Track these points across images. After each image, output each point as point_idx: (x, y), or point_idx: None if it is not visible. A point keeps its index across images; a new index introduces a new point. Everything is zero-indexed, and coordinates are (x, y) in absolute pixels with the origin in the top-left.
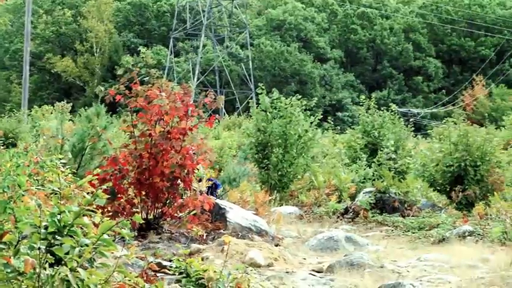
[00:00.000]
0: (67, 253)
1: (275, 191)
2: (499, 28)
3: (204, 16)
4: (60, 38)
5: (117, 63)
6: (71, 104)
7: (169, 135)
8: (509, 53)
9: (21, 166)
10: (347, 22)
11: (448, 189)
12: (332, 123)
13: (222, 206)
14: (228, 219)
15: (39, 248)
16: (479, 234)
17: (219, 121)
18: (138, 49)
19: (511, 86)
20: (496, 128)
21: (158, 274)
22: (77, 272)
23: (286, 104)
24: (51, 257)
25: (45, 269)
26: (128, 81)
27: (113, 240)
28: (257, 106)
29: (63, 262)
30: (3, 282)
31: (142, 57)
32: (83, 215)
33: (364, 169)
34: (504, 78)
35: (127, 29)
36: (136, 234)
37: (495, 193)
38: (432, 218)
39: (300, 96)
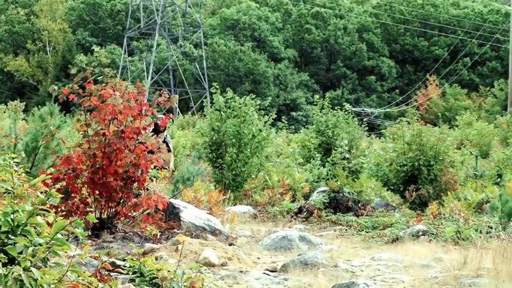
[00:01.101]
0: (20, 252)
1: (229, 191)
2: (453, 28)
3: (158, 15)
4: (13, 37)
5: (71, 62)
6: (24, 103)
7: (123, 135)
8: (463, 53)
9: None
10: (301, 22)
11: (401, 189)
12: (286, 122)
13: (176, 206)
14: (182, 219)
15: None
16: (432, 234)
17: (173, 120)
18: (92, 48)
19: (464, 86)
20: (449, 128)
21: (112, 273)
22: (31, 271)
23: (240, 104)
24: (4, 256)
25: None
26: (81, 80)
27: (67, 240)
28: (211, 105)
29: (16, 262)
30: None
31: (96, 56)
32: (37, 215)
33: (318, 168)
34: (457, 78)
35: (81, 28)
36: (90, 233)
37: (448, 193)
38: (386, 217)
39: (254, 96)
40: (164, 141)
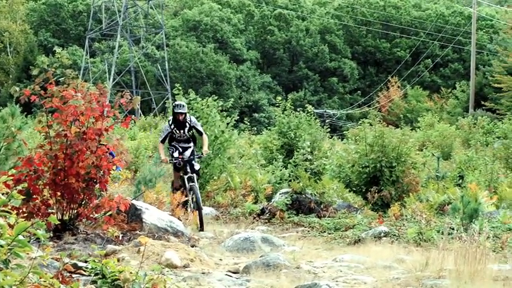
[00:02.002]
0: None
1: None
2: (414, 30)
3: (119, 16)
4: None
5: (32, 63)
6: None
7: (84, 136)
8: (425, 55)
9: None
10: (263, 23)
11: (363, 190)
12: (248, 124)
13: (138, 207)
14: (144, 220)
15: None
16: (394, 235)
17: (135, 122)
18: (54, 49)
19: (426, 88)
20: (411, 129)
21: (74, 275)
22: None
23: (202, 105)
24: None
25: None
26: (43, 82)
27: (28, 241)
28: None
29: None
30: None
31: (58, 58)
32: None
33: (281, 170)
34: (419, 79)
35: (43, 29)
36: (51, 235)
37: (410, 194)
38: (348, 218)
39: (216, 97)
40: (192, 127)
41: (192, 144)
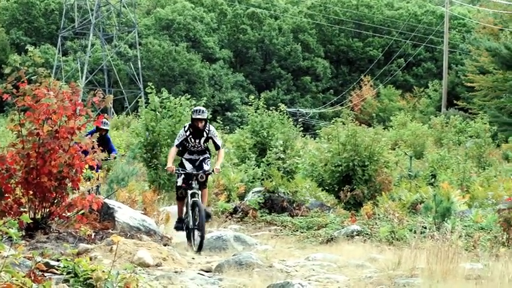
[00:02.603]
0: None
1: (164, 191)
2: (387, 29)
3: (92, 15)
4: None
5: (5, 61)
6: None
7: (57, 135)
8: (397, 54)
9: None
10: (236, 22)
11: (336, 189)
12: (221, 122)
13: (110, 206)
14: (116, 219)
15: None
16: (367, 234)
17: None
18: (26, 48)
19: (398, 87)
20: (383, 129)
21: (46, 274)
22: None
23: (175, 104)
24: None
25: None
26: (15, 80)
27: (0, 240)
28: (146, 106)
29: None
30: None
31: (30, 56)
32: None
33: (253, 169)
34: (392, 78)
35: (15, 27)
36: (23, 233)
37: (383, 193)
38: (320, 217)
39: (189, 96)
40: (209, 137)
41: (207, 155)
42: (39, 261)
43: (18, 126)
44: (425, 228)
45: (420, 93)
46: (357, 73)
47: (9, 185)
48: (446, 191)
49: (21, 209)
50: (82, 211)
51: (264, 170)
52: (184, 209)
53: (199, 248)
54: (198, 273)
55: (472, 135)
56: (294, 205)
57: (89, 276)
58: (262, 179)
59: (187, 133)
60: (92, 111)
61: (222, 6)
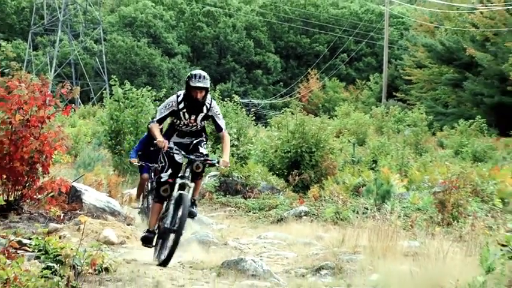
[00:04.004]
0: None
1: (127, 175)
2: (332, 26)
3: (60, 13)
4: None
5: None
6: None
7: (28, 123)
8: (341, 49)
9: None
10: (193, 20)
11: (285, 173)
12: None
13: (78, 189)
14: (83, 201)
15: None
16: (314, 215)
17: (74, 110)
18: None
19: (342, 80)
20: (329, 118)
21: (19, 251)
22: None
23: (137, 95)
24: None
25: None
26: None
27: None
28: (110, 96)
29: None
30: None
31: (3, 51)
32: None
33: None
34: (336, 72)
35: None
36: None
37: (328, 177)
38: (271, 199)
39: (149, 88)
40: (209, 116)
41: (202, 138)
42: (13, 240)
43: None
44: (367, 209)
45: (362, 86)
46: (304, 67)
47: None
48: (386, 175)
49: None
50: (52, 193)
51: (219, 156)
52: (164, 206)
53: (168, 259)
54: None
55: (410, 124)
56: (247, 188)
57: (59, 253)
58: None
59: (180, 106)
60: (61, 101)
61: (181, 5)
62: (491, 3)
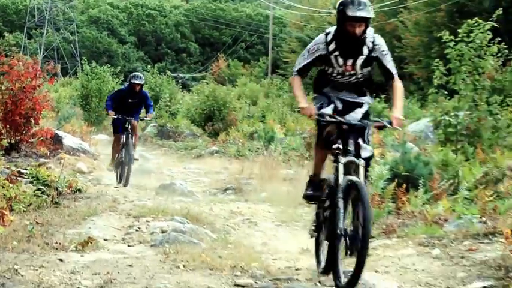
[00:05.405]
0: None
1: (93, 125)
2: (234, 24)
3: (46, 13)
4: None
5: None
6: None
7: (24, 90)
8: (240, 40)
9: None
10: (139, 19)
11: (203, 124)
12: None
13: (59, 135)
14: (63, 143)
15: None
16: (222, 152)
17: (57, 81)
18: (4, 34)
19: (241, 60)
20: (232, 87)
21: (18, 178)
22: None
23: (100, 71)
24: None
25: None
26: None
27: None
28: (81, 71)
29: None
30: None
31: (6, 40)
32: None
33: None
34: (237, 55)
35: None
36: (3, 153)
37: (232, 127)
38: (193, 142)
39: (109, 66)
40: (373, 57)
41: (365, 97)
42: (14, 170)
43: None
44: (258, 148)
45: (255, 65)
46: (215, 52)
47: None
48: (271, 126)
49: (2, 137)
50: (41, 138)
51: (158, 112)
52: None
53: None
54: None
55: (287, 91)
56: (176, 134)
57: (46, 179)
58: (157, 118)
59: (331, 47)
60: (47, 75)
61: (130, 9)
62: None
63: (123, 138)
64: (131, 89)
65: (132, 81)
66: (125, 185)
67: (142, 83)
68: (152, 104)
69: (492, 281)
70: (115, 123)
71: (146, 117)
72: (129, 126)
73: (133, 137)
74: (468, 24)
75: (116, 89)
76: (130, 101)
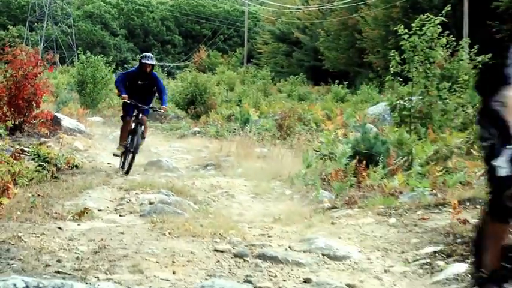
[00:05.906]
0: None
1: (89, 109)
2: (214, 18)
3: (46, 8)
4: None
5: None
6: None
7: (27, 76)
8: (219, 33)
9: None
10: (129, 14)
11: (186, 108)
12: (120, 70)
13: (58, 117)
14: (62, 124)
15: None
16: (203, 133)
17: (56, 69)
18: (8, 27)
19: (220, 51)
20: (212, 74)
21: (21, 155)
22: None
23: (95, 60)
24: None
25: None
26: (2, 45)
27: None
28: (78, 60)
29: None
30: None
31: (10, 32)
32: None
33: None
34: (216, 46)
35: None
36: (8, 133)
37: (212, 110)
38: (177, 124)
39: (102, 55)
40: None
41: None
42: (18, 148)
43: (3, 71)
44: (235, 129)
45: (232, 55)
46: (197, 43)
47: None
48: (246, 109)
49: (7, 119)
50: (42, 120)
51: None
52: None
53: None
54: (111, 154)
55: (261, 78)
56: (162, 117)
57: (46, 156)
58: None
59: None
60: (47, 63)
61: (121, 4)
62: (309, 5)
63: (133, 126)
64: (142, 70)
65: (144, 61)
66: (126, 173)
67: (153, 63)
68: (166, 91)
69: (442, 246)
70: (125, 106)
71: (160, 109)
72: (140, 116)
73: (143, 128)
74: (420, 19)
75: (122, 72)
76: (140, 82)
